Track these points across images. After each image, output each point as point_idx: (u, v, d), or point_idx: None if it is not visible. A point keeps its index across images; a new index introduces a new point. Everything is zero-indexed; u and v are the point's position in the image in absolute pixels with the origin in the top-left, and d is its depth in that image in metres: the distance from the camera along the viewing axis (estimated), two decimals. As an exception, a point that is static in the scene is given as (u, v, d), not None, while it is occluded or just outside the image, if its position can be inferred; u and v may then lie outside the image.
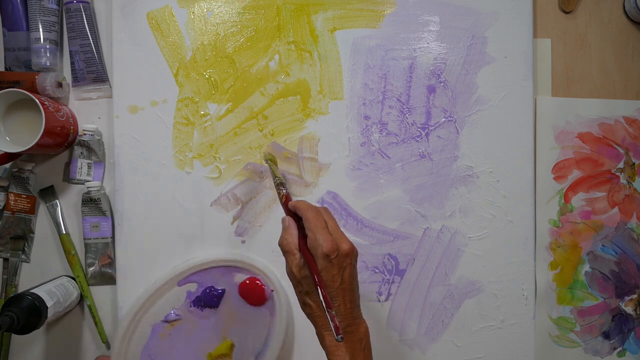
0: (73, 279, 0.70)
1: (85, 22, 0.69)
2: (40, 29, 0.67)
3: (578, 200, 0.73)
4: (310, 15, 0.70)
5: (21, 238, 0.70)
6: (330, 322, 0.46)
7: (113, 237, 0.70)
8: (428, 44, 0.71)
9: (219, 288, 0.68)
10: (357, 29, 0.71)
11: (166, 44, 0.70)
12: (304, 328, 0.67)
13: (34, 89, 0.67)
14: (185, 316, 0.68)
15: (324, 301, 0.47)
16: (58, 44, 0.70)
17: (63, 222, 0.70)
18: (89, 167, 0.70)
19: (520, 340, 0.71)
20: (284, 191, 0.58)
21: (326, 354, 0.50)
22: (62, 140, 0.67)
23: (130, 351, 0.66)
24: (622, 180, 0.73)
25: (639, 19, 0.74)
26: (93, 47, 0.70)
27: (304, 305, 0.51)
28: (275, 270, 0.68)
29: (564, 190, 0.73)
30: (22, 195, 0.69)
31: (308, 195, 0.70)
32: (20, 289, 0.70)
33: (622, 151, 0.73)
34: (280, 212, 0.70)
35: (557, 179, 0.72)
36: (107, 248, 0.70)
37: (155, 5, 0.70)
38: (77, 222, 0.71)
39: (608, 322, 0.73)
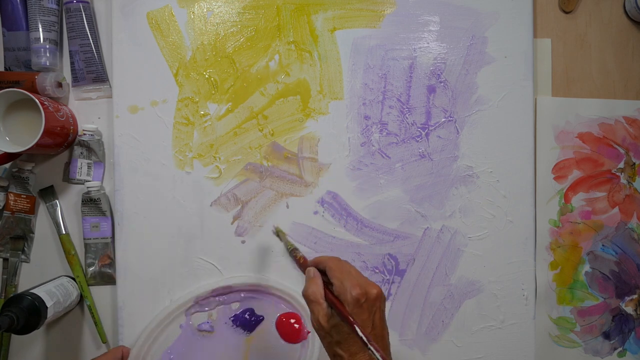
0: (73, 279, 0.70)
1: (85, 22, 0.69)
2: (40, 29, 0.67)
3: (578, 200, 0.73)
4: (310, 15, 0.70)
5: (21, 238, 0.70)
6: (376, 353, 0.43)
7: (113, 237, 0.70)
8: (428, 44, 0.71)
9: (259, 314, 0.68)
10: (357, 29, 0.71)
11: (166, 44, 0.70)
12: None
13: (33, 89, 0.67)
14: (218, 330, 0.68)
15: (365, 337, 0.44)
16: (58, 43, 0.70)
17: (63, 222, 0.70)
18: (89, 167, 0.70)
19: (520, 340, 0.71)
20: (300, 254, 0.60)
21: None
22: (62, 140, 0.67)
23: (155, 347, 0.67)
24: (623, 180, 0.73)
25: (639, 19, 0.74)
26: (93, 47, 0.70)
27: (334, 357, 0.49)
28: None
29: (564, 190, 0.72)
30: (22, 195, 0.69)
31: (308, 195, 0.70)
32: (20, 289, 0.70)
33: (622, 151, 0.73)
34: (280, 214, 0.70)
35: (557, 179, 0.72)
36: (107, 248, 0.70)
37: (155, 5, 0.70)
38: (77, 222, 0.71)
39: (608, 322, 0.73)
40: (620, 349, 0.73)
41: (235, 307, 0.69)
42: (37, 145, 0.62)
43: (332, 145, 0.70)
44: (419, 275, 0.71)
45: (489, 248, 0.71)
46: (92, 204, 0.68)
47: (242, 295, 0.68)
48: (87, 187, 0.68)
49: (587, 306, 0.73)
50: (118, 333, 0.69)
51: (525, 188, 0.71)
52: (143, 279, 0.69)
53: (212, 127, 0.70)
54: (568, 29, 0.74)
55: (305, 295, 0.51)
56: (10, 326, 0.57)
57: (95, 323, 0.70)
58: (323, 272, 0.52)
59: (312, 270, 0.53)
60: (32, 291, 0.62)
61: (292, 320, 0.67)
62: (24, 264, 0.71)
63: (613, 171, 0.73)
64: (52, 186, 0.71)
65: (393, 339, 0.70)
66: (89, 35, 0.69)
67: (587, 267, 0.73)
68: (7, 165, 0.70)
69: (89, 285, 0.70)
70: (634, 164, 0.73)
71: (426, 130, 0.71)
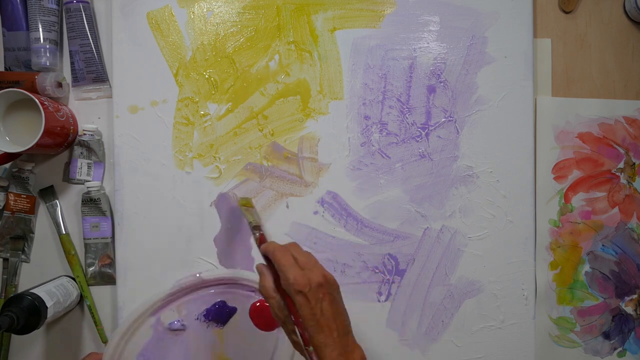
0: (73, 279, 0.70)
1: (85, 22, 0.69)
2: (40, 29, 0.67)
3: (578, 200, 0.73)
4: (310, 15, 0.70)
5: (21, 238, 0.70)
6: (309, 359, 0.47)
7: (113, 237, 0.70)
8: (428, 44, 0.71)
9: (232, 306, 0.67)
10: (357, 29, 0.71)
11: (166, 44, 0.70)
12: None
13: (33, 89, 0.67)
14: (190, 327, 0.67)
15: (302, 338, 0.49)
16: (58, 43, 0.70)
17: (63, 222, 0.70)
18: (89, 167, 0.70)
19: (520, 340, 0.71)
20: (257, 234, 0.58)
21: None
22: (62, 140, 0.67)
23: (127, 350, 0.66)
24: (622, 180, 0.73)
25: (639, 19, 0.74)
26: (93, 47, 0.70)
27: (293, 344, 0.52)
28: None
29: (564, 190, 0.72)
30: (22, 195, 0.69)
31: (308, 195, 0.70)
32: (20, 289, 0.70)
33: (622, 151, 0.73)
34: (280, 214, 0.70)
35: (557, 179, 0.72)
36: (107, 248, 0.70)
37: (155, 5, 0.70)
38: (77, 222, 0.71)
39: (608, 322, 0.73)
40: (620, 349, 0.73)
41: (206, 302, 0.68)
42: (37, 145, 0.62)
43: (332, 145, 0.70)
44: (419, 275, 0.71)
45: (489, 248, 0.71)
46: (92, 204, 0.68)
47: (212, 290, 0.67)
48: (87, 187, 0.68)
49: (587, 306, 0.72)
50: (118, 333, 0.69)
51: (525, 188, 0.71)
52: (143, 279, 0.69)
53: (212, 127, 0.70)
54: (568, 29, 0.74)
55: (259, 290, 0.53)
56: (10, 326, 0.57)
57: (95, 323, 0.70)
58: None
59: (259, 266, 0.54)
60: (32, 291, 0.62)
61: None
62: (24, 264, 0.71)
63: (613, 171, 0.73)
64: (52, 186, 0.71)
65: (393, 339, 0.70)
66: (89, 35, 0.69)
67: (587, 267, 0.73)
68: (7, 165, 0.70)
69: (89, 285, 0.70)
70: (634, 164, 0.73)
71: (426, 130, 0.71)
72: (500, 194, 0.71)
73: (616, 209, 0.73)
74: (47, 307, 0.62)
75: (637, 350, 0.73)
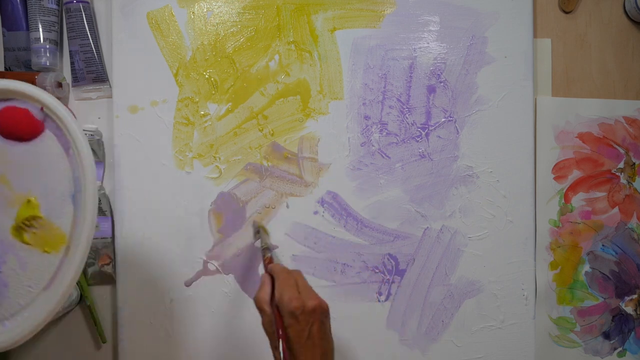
0: (73, 279, 0.70)
1: (85, 22, 0.69)
2: (40, 29, 0.67)
3: (578, 200, 0.73)
4: (310, 15, 0.70)
5: (21, 238, 0.70)
6: None
7: (113, 237, 0.70)
8: (428, 44, 0.71)
9: None
10: (357, 29, 0.71)
11: (166, 44, 0.70)
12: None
13: (33, 89, 0.67)
14: None
15: (283, 355, 0.50)
16: (58, 44, 0.70)
17: (63, 222, 0.70)
18: (89, 167, 0.70)
19: (520, 340, 0.71)
20: (269, 255, 0.60)
21: None
22: (62, 140, 0.67)
23: None
24: (622, 180, 0.73)
25: (639, 19, 0.74)
26: (93, 47, 0.70)
27: (275, 358, 0.53)
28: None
29: (564, 190, 0.72)
30: (22, 195, 0.69)
31: (308, 195, 0.70)
32: (20, 289, 0.70)
33: (622, 151, 0.73)
34: (280, 214, 0.70)
35: (557, 179, 0.72)
36: (107, 248, 0.69)
37: (155, 5, 0.70)
38: (77, 222, 0.71)
39: (608, 322, 0.73)
40: (620, 349, 0.73)
41: None
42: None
43: (332, 145, 0.70)
44: (419, 275, 0.71)
45: (489, 248, 0.71)
46: (92, 204, 0.68)
47: None
48: (87, 187, 0.68)
49: (587, 306, 0.73)
50: (118, 333, 0.69)
51: (525, 188, 0.71)
52: (143, 279, 0.69)
53: (212, 127, 0.70)
54: (568, 29, 0.74)
55: (254, 300, 0.54)
56: (10, 326, 0.57)
57: (95, 323, 0.70)
58: None
59: (265, 277, 0.55)
60: (32, 291, 0.62)
61: (17, 108, 0.49)
62: (24, 264, 0.71)
63: (613, 171, 0.73)
64: (52, 186, 0.71)
65: (393, 339, 0.70)
66: (89, 35, 0.69)
67: (587, 267, 0.73)
68: (7, 165, 0.70)
69: (89, 285, 0.70)
70: (634, 164, 0.73)
71: (426, 130, 0.71)
72: (500, 194, 0.71)
73: (616, 209, 0.73)
74: (47, 307, 0.61)
75: (637, 350, 0.73)
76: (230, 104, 0.70)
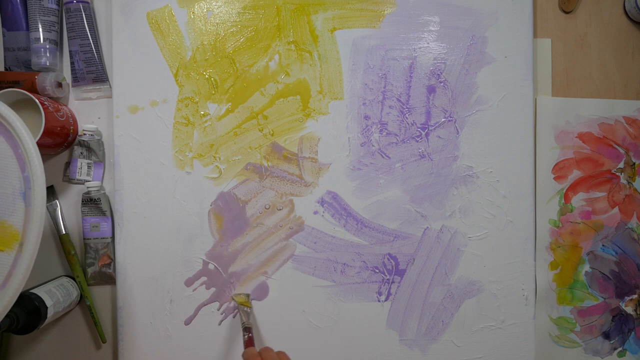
0: (73, 279, 0.70)
1: (85, 22, 0.69)
2: (40, 29, 0.67)
3: (578, 200, 0.73)
4: (310, 15, 0.70)
5: (21, 238, 0.70)
6: None
7: (113, 237, 0.70)
8: (428, 44, 0.71)
9: None
10: (357, 29, 0.71)
11: (166, 44, 0.70)
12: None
13: (34, 89, 0.67)
14: None
15: None
16: (58, 44, 0.70)
17: (63, 222, 0.70)
18: (89, 167, 0.70)
19: (520, 340, 0.71)
20: (246, 336, 0.61)
21: None
22: (62, 140, 0.67)
23: None
24: (622, 180, 0.73)
25: (639, 19, 0.74)
26: (93, 47, 0.70)
27: None
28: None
29: (564, 190, 0.72)
30: (22, 195, 0.69)
31: (308, 195, 0.70)
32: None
33: (622, 151, 0.73)
34: (279, 213, 0.70)
35: (557, 179, 0.72)
36: (107, 248, 0.70)
37: (155, 5, 0.70)
38: (77, 222, 0.71)
39: (608, 322, 0.73)
40: (620, 349, 0.73)
41: None
42: (37, 145, 0.62)
43: (332, 145, 0.70)
44: (418, 275, 0.71)
45: (489, 248, 0.71)
46: (92, 204, 0.68)
47: None
48: (87, 187, 0.68)
49: (587, 306, 0.73)
50: (118, 333, 0.69)
51: (525, 188, 0.71)
52: (143, 279, 0.69)
53: (212, 127, 0.70)
54: (568, 29, 0.74)
55: None
56: (10, 326, 0.57)
57: (95, 323, 0.70)
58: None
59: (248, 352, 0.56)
60: (32, 291, 0.62)
61: None
62: (24, 264, 0.71)
63: (613, 171, 0.73)
64: (52, 186, 0.71)
65: (393, 339, 0.70)
66: (89, 35, 0.69)
67: (587, 267, 0.73)
68: (7, 165, 0.70)
69: (89, 285, 0.70)
70: (634, 164, 0.73)
71: (426, 130, 0.71)
72: (500, 194, 0.71)
73: (616, 209, 0.73)
74: (47, 307, 0.62)
75: (637, 350, 0.73)
76: (230, 104, 0.70)
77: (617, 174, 0.73)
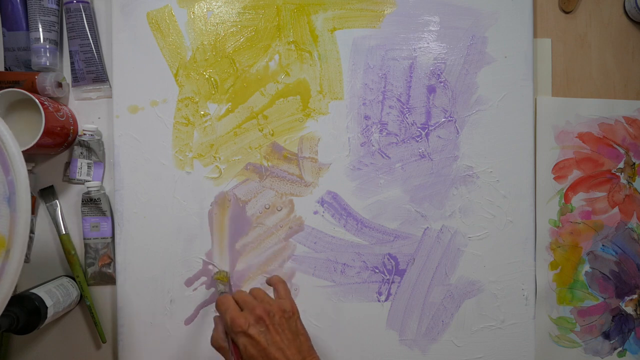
0: (73, 279, 0.70)
1: (85, 22, 0.69)
2: (40, 29, 0.67)
3: (578, 200, 0.73)
4: (310, 15, 0.70)
5: (21, 238, 0.70)
6: None
7: (113, 237, 0.70)
8: (428, 44, 0.71)
9: None
10: (357, 29, 0.71)
11: (166, 44, 0.70)
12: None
13: (34, 89, 0.67)
14: None
15: None
16: (58, 44, 0.70)
17: (63, 222, 0.70)
18: (89, 167, 0.70)
19: (520, 340, 0.71)
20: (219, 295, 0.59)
21: None
22: (62, 140, 0.67)
23: None
24: (623, 180, 0.73)
25: (639, 19, 0.74)
26: (93, 47, 0.70)
27: None
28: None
29: (564, 190, 0.72)
30: (22, 195, 0.69)
31: (308, 195, 0.70)
32: (20, 289, 0.70)
33: (622, 151, 0.73)
34: (279, 213, 0.70)
35: (557, 179, 0.72)
36: (107, 248, 0.69)
37: (155, 5, 0.70)
38: (77, 222, 0.71)
39: (608, 322, 0.73)
40: (620, 349, 0.73)
41: None
42: (37, 145, 0.62)
43: (332, 145, 0.70)
44: (418, 275, 0.71)
45: (489, 248, 0.71)
46: (92, 204, 0.68)
47: None
48: (87, 187, 0.68)
49: (587, 306, 0.73)
50: (118, 333, 0.69)
51: (525, 188, 0.71)
52: (143, 279, 0.69)
53: (212, 127, 0.70)
54: (568, 29, 0.74)
55: (212, 344, 0.55)
56: (10, 326, 0.57)
57: (95, 323, 0.70)
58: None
59: (215, 318, 0.57)
60: (32, 291, 0.62)
61: None
62: (24, 263, 0.70)
63: (613, 171, 0.73)
64: (52, 186, 0.71)
65: (393, 339, 0.70)
66: (89, 35, 0.69)
67: (587, 267, 0.73)
68: (7, 165, 0.70)
69: (89, 285, 0.70)
70: (634, 164, 0.73)
71: (426, 130, 0.71)
72: (500, 194, 0.71)
73: (616, 209, 0.73)
74: (47, 307, 0.62)
75: (637, 350, 0.73)
76: (230, 104, 0.70)
77: (617, 174, 0.73)
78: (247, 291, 0.57)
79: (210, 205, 0.69)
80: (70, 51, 0.70)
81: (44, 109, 0.62)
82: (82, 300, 0.70)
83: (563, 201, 0.72)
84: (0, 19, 0.70)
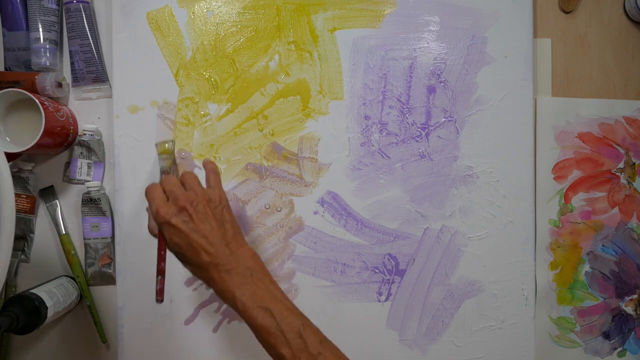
0: (73, 279, 0.70)
1: (85, 22, 0.69)
2: (40, 29, 0.67)
3: (578, 200, 0.73)
4: (310, 15, 0.70)
5: (21, 238, 0.70)
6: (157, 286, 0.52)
7: (113, 237, 0.70)
8: (428, 44, 0.71)
9: None
10: (357, 29, 0.71)
11: (166, 44, 0.70)
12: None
13: (34, 89, 0.67)
14: None
15: (157, 267, 0.54)
16: (58, 44, 0.70)
17: (63, 222, 0.70)
18: (89, 167, 0.70)
19: (520, 340, 0.71)
20: (162, 177, 0.58)
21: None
22: (62, 140, 0.67)
23: None
24: (623, 180, 0.73)
25: (639, 19, 0.74)
26: (93, 47, 0.70)
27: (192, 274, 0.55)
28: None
29: (564, 190, 0.72)
30: (22, 195, 0.69)
31: (308, 195, 0.70)
32: (20, 289, 0.70)
33: (622, 151, 0.73)
34: (279, 213, 0.70)
35: (557, 179, 0.72)
36: (107, 248, 0.70)
37: (155, 5, 0.70)
38: (77, 222, 0.71)
39: (608, 322, 0.73)
40: (620, 349, 0.73)
41: None
42: (37, 145, 0.62)
43: (332, 145, 0.70)
44: (419, 275, 0.71)
45: (489, 248, 0.71)
46: (92, 204, 0.68)
47: None
48: (87, 187, 0.68)
49: (587, 306, 0.73)
50: (118, 333, 0.69)
51: (525, 188, 0.71)
52: (143, 279, 0.69)
53: (212, 127, 0.70)
54: (568, 29, 0.74)
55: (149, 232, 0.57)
56: (10, 326, 0.57)
57: (95, 323, 0.70)
58: None
59: (148, 209, 0.56)
60: (32, 291, 0.62)
61: None
62: (24, 264, 0.71)
63: (613, 171, 0.73)
64: (52, 186, 0.71)
65: (393, 339, 0.70)
66: (89, 35, 0.69)
67: (587, 267, 0.73)
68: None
69: (89, 285, 0.70)
70: (634, 164, 0.73)
71: (426, 130, 0.71)
72: (500, 194, 0.71)
73: (616, 209, 0.73)
74: (47, 307, 0.62)
75: (637, 350, 0.73)
76: (230, 104, 0.70)
77: (617, 174, 0.73)
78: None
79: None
80: (70, 51, 0.70)
81: (44, 109, 0.62)
82: (82, 300, 0.70)
83: (563, 201, 0.72)
84: (0, 19, 0.70)
